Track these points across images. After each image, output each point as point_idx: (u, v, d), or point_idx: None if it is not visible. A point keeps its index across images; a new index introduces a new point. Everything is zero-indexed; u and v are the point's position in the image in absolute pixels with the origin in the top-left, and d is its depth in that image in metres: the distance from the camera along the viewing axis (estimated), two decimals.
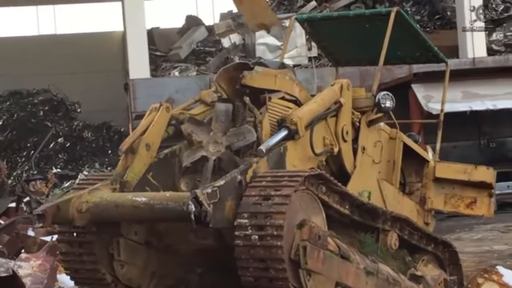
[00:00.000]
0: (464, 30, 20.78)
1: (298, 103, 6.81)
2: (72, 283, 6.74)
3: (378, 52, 7.55)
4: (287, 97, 6.80)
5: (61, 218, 5.86)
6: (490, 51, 22.02)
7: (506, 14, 23.23)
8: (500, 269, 6.90)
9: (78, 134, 25.28)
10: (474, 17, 20.67)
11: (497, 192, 17.77)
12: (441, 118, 8.63)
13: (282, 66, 7.22)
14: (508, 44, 22.68)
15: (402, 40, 8.04)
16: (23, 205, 14.84)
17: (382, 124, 7.45)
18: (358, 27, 8.28)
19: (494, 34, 22.76)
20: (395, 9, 7.83)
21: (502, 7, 23.28)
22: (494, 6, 23.21)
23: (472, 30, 20.84)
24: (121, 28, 27.43)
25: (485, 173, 8.28)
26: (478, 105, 18.59)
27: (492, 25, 22.77)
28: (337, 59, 9.25)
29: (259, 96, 6.62)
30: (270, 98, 6.59)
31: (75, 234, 6.20)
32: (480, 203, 8.25)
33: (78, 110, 26.38)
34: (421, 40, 8.33)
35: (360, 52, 8.74)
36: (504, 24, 23.08)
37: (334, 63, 9.46)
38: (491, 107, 18.70)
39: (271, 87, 6.74)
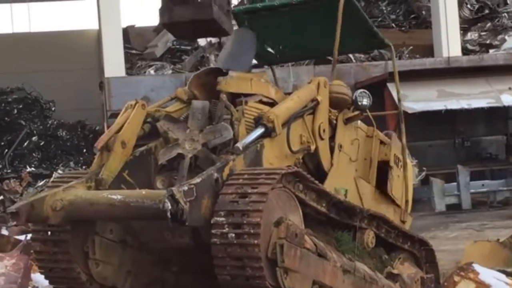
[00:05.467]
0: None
1: (275, 105, 6.77)
2: (46, 282, 6.66)
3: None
4: (264, 99, 6.77)
5: (36, 216, 5.78)
6: (465, 51, 22.13)
7: (480, 14, 23.35)
8: (476, 267, 6.91)
9: (52, 132, 25.08)
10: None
11: (471, 190, 18.02)
12: (401, 110, 8.51)
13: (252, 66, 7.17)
14: (483, 44, 22.81)
15: (348, 27, 7.63)
16: None
17: (359, 122, 7.43)
18: (300, 17, 7.91)
19: (469, 34, 22.89)
20: None
21: (476, 6, 23.40)
22: (468, 6, 23.32)
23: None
24: (96, 26, 27.27)
25: None
26: (453, 104, 18.69)
27: (466, 24, 22.88)
28: (275, 56, 8.74)
29: (235, 100, 6.57)
30: (246, 102, 6.54)
31: (49, 232, 6.13)
32: None
33: (53, 109, 26.18)
34: (367, 26, 8.07)
35: (303, 45, 8.39)
36: (479, 24, 23.21)
37: (268, 62, 8.89)
38: (466, 106, 18.81)
39: (247, 91, 6.70)
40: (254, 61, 8.20)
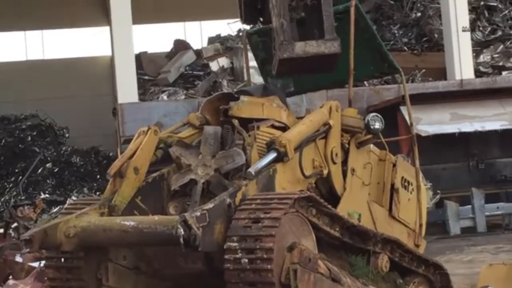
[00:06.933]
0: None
1: (287, 129, 6.77)
2: None
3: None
4: (276, 124, 6.78)
5: (49, 243, 5.81)
6: (478, 73, 22.10)
7: (492, 36, 23.34)
8: None
9: (66, 159, 25.12)
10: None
11: (486, 213, 17.91)
12: (413, 134, 8.47)
13: (265, 89, 7.18)
14: (495, 66, 22.77)
15: (357, 48, 7.47)
16: (11, 231, 14.70)
17: (371, 145, 7.42)
18: None
19: (481, 56, 22.86)
20: (353, 2, 7.40)
21: (489, 29, 23.40)
22: (481, 28, 23.33)
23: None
24: (109, 53, 27.44)
25: None
26: (467, 127, 18.64)
27: (479, 47, 22.86)
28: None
29: (247, 124, 6.59)
30: (258, 127, 6.56)
31: (62, 259, 6.13)
32: None
33: (66, 135, 26.25)
34: (377, 45, 7.92)
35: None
36: (491, 46, 23.18)
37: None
38: (479, 129, 18.75)
39: (259, 116, 6.72)
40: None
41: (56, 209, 20.18)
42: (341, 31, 7.12)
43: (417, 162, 8.04)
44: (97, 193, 21.41)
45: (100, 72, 28.80)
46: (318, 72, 7.18)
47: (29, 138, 25.25)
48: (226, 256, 5.44)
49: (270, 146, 6.29)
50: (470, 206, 18.03)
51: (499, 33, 23.40)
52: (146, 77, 24.12)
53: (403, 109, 18.23)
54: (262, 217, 5.50)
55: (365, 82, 21.51)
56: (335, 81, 7.62)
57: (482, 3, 23.67)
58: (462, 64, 21.24)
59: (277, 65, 6.94)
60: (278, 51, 6.77)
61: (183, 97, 22.45)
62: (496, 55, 23.10)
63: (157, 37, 28.46)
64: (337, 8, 7.40)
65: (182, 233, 5.27)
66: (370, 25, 7.90)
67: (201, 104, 7.17)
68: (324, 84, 7.58)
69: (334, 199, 6.80)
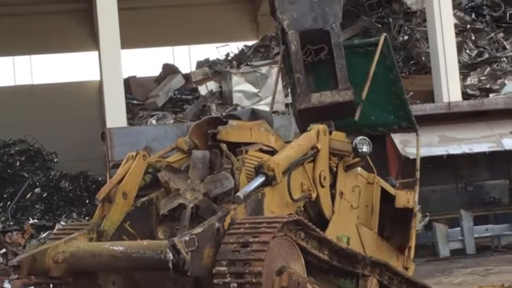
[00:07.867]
0: None
1: (275, 153, 6.80)
2: None
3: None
4: (264, 148, 6.80)
5: (37, 269, 5.79)
6: (465, 95, 22.19)
7: (479, 59, 23.47)
8: None
9: (55, 184, 25.06)
10: None
11: (475, 235, 17.95)
12: (417, 176, 8.56)
13: (253, 113, 7.22)
14: (483, 88, 22.87)
15: (380, 90, 7.87)
16: None
17: (359, 169, 7.45)
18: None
19: (469, 79, 22.96)
20: (383, 34, 7.77)
21: (475, 51, 23.54)
22: (467, 51, 23.46)
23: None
24: (98, 77, 27.47)
25: None
26: (455, 149, 18.72)
27: (466, 69, 22.99)
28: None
29: (235, 149, 6.61)
30: (246, 151, 6.58)
31: (51, 285, 6.11)
32: None
33: (55, 160, 26.19)
34: (398, 90, 8.16)
35: None
36: (478, 69, 23.30)
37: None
38: (467, 151, 18.84)
39: (247, 140, 6.74)
40: (262, 107, 8.22)
41: (45, 234, 20.12)
42: (369, 64, 7.56)
43: (417, 196, 8.11)
44: (86, 218, 21.35)
45: (88, 96, 28.82)
46: (335, 118, 7.47)
47: (18, 163, 25.18)
48: (215, 281, 5.44)
49: (259, 170, 6.31)
50: (459, 228, 18.07)
51: (486, 55, 23.53)
52: (135, 102, 24.13)
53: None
54: (251, 241, 5.50)
55: None
56: (357, 128, 7.80)
57: (468, 26, 23.83)
58: (450, 86, 21.33)
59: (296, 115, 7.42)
60: (296, 103, 7.31)
61: (172, 121, 22.45)
62: (483, 78, 23.21)
63: (145, 62, 28.53)
64: (368, 42, 7.99)
65: (171, 257, 5.27)
66: (395, 64, 8.13)
67: (190, 128, 7.19)
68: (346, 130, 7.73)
69: (323, 222, 6.81)
